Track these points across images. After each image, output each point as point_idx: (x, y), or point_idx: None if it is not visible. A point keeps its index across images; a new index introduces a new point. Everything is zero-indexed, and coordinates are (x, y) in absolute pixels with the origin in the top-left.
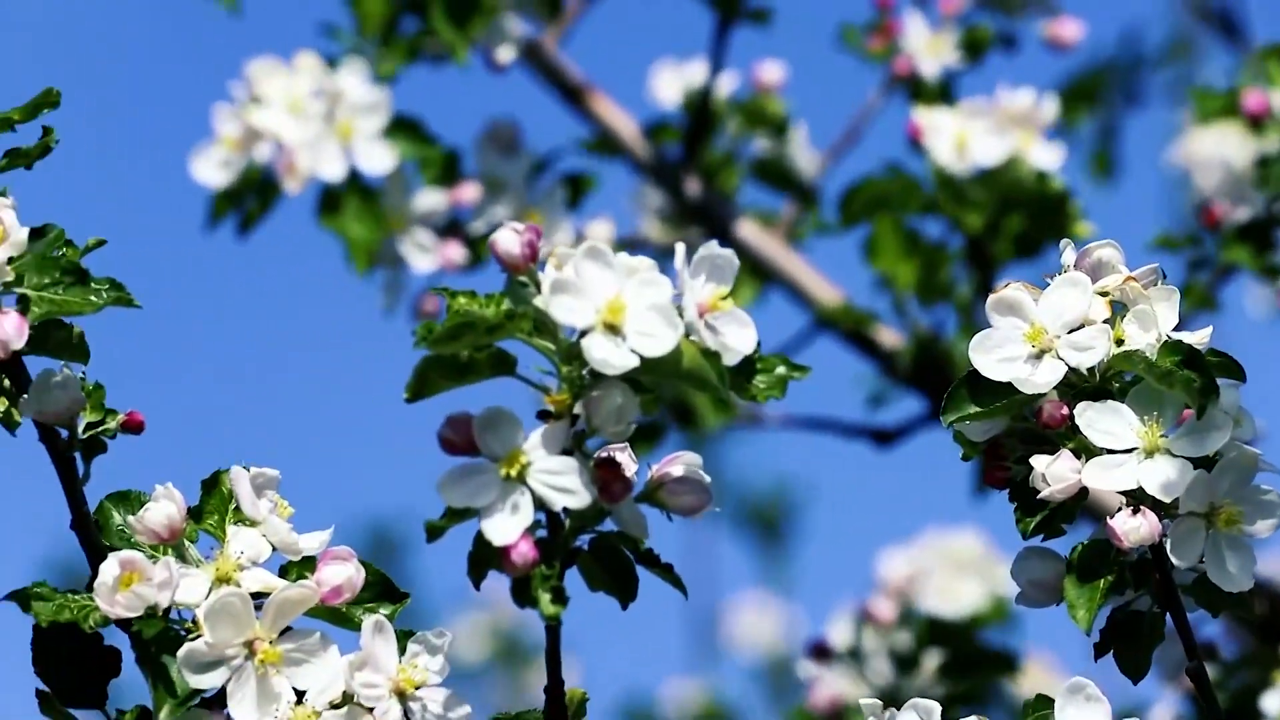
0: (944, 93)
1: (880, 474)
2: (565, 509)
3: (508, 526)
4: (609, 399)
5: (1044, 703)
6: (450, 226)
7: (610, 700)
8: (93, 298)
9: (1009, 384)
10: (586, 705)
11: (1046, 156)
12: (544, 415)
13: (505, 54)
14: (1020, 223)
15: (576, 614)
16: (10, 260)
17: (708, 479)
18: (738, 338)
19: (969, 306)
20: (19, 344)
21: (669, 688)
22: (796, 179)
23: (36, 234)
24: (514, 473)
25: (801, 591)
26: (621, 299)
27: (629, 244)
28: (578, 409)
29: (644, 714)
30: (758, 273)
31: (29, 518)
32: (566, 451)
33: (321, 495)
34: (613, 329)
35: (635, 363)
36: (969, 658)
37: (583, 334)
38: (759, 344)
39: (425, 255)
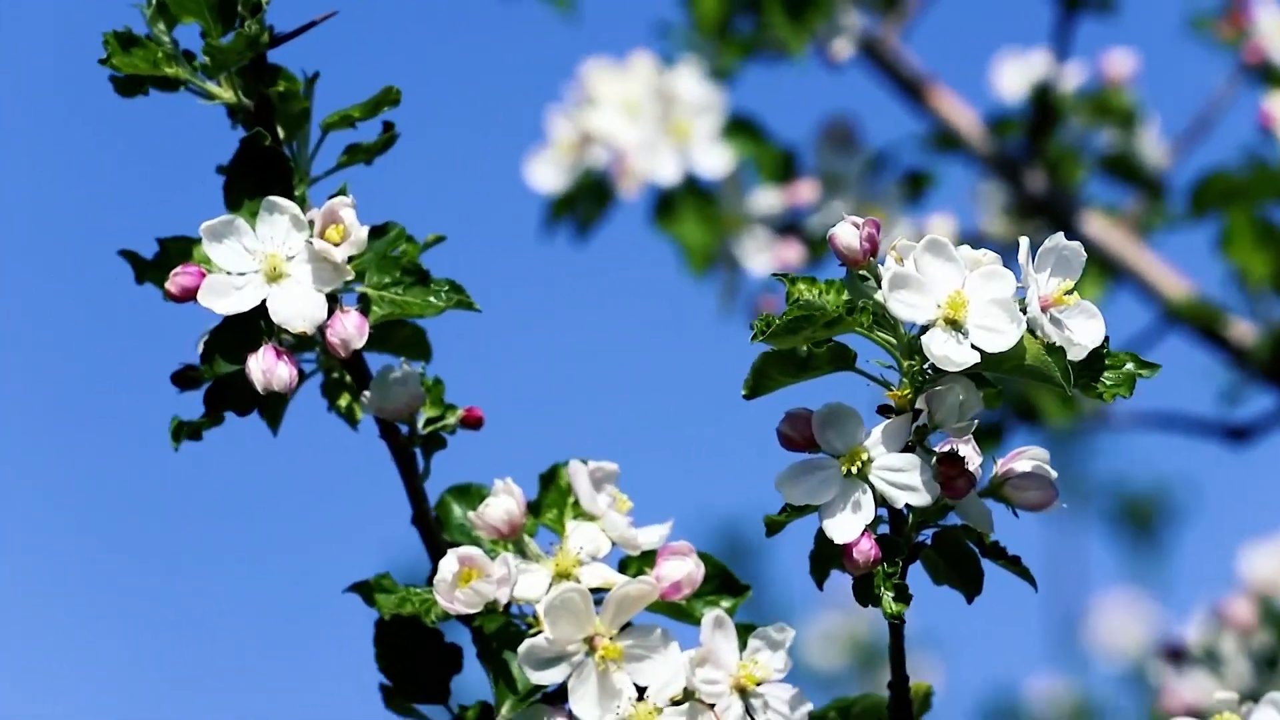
0: None
1: (1251, 469)
2: (907, 506)
3: (849, 524)
4: (951, 394)
5: None
6: (787, 226)
7: (973, 699)
8: (433, 299)
9: None
10: (932, 700)
11: None
12: (885, 410)
13: (842, 49)
14: None
15: (936, 615)
16: (351, 259)
17: (1054, 474)
18: (1084, 332)
19: None
20: (359, 343)
21: (1034, 686)
22: (1145, 172)
23: (376, 232)
24: (855, 469)
25: (1174, 591)
26: (963, 294)
27: (970, 240)
28: (919, 404)
29: (1007, 712)
30: (1104, 268)
31: (371, 514)
32: (908, 447)
33: (662, 490)
34: (954, 324)
35: (976, 359)
36: None
37: (923, 329)
38: (1107, 339)
39: (762, 256)
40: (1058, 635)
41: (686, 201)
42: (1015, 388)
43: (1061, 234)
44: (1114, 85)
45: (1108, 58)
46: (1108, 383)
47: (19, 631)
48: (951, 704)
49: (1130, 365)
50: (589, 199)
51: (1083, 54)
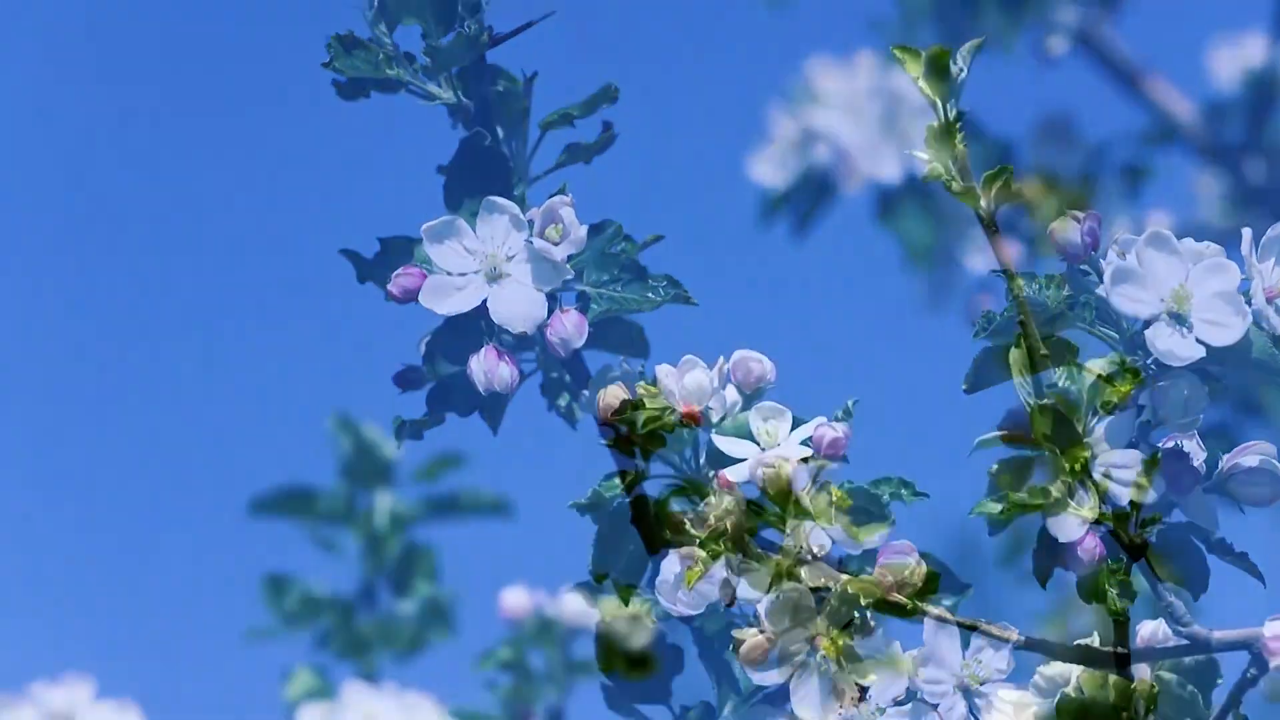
0: None
1: None
2: (1131, 502)
3: (1072, 522)
4: (1175, 389)
5: None
6: (1006, 224)
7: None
8: (650, 295)
9: None
10: (1157, 697)
11: None
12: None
13: (1058, 45)
14: None
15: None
16: (570, 257)
17: None
18: None
19: None
20: (579, 342)
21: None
22: None
23: (595, 230)
24: (1078, 466)
25: None
26: (1186, 287)
27: (1189, 231)
28: (1143, 399)
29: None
30: None
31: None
32: (1131, 444)
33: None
34: (1178, 318)
35: (1201, 353)
36: None
37: (1146, 324)
38: None
39: (981, 254)
40: None
41: (908, 200)
42: (1240, 385)
43: None
44: None
45: None
46: None
47: None
48: None
49: None
50: (808, 194)
51: None
